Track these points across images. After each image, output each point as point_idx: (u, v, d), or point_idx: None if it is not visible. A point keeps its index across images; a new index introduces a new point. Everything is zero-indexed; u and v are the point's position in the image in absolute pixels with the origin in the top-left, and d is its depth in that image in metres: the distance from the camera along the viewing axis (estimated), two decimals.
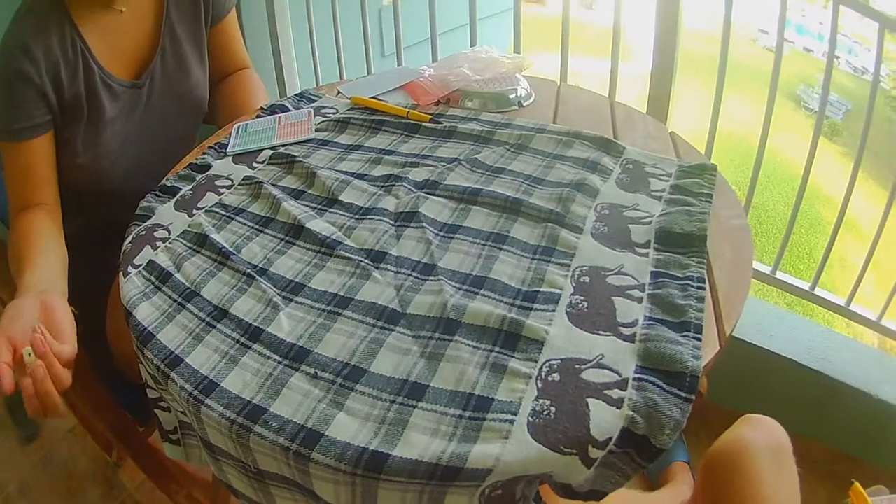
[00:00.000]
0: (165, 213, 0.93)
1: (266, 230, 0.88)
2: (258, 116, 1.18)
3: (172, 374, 0.67)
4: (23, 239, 0.96)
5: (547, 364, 0.65)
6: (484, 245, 0.83)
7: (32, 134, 1.01)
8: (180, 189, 0.98)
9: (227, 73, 1.34)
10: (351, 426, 0.61)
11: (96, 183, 1.13)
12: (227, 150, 1.07)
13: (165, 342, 0.71)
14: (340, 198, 0.93)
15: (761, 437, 0.75)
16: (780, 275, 1.72)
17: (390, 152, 1.05)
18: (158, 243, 0.87)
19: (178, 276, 0.81)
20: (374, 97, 1.20)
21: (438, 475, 0.56)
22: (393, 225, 0.87)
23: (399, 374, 0.66)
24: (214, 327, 0.73)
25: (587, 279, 0.76)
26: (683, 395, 0.60)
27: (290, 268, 0.81)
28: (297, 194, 0.95)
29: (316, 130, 1.12)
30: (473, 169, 0.98)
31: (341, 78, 1.85)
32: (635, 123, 1.15)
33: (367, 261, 0.81)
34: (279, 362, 0.68)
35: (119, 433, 1.11)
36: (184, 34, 1.19)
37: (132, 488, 1.53)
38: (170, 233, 0.89)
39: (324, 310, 0.74)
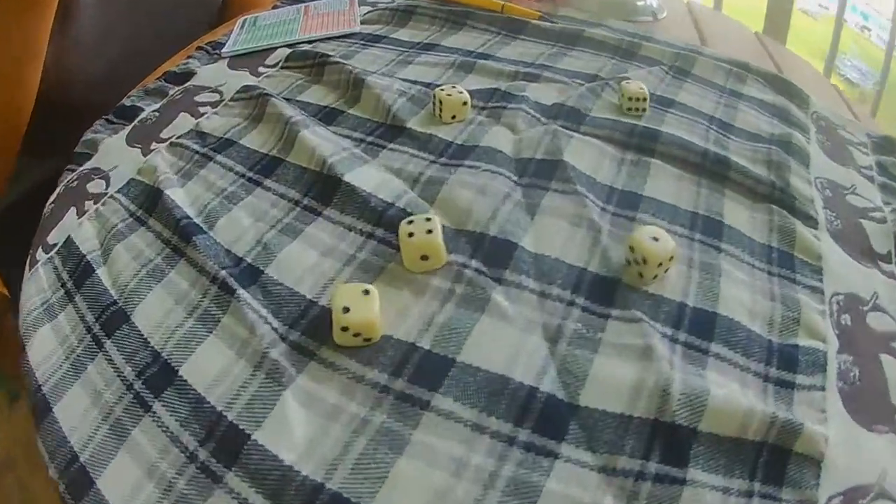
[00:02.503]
0: (111, 150, 0.49)
1: (267, 181, 0.43)
2: (275, 7, 0.71)
3: None
4: None
5: None
6: (691, 239, 0.40)
7: None
8: (142, 110, 0.54)
9: None
10: None
11: (61, 99, 0.68)
12: (223, 49, 0.62)
13: (67, 429, 0.30)
14: (409, 125, 0.47)
15: None
16: None
17: (486, 56, 0.59)
18: (88, 203, 0.44)
19: (101, 273, 0.37)
20: None
21: None
22: (518, 184, 0.42)
23: None
24: (150, 410, 0.30)
25: (848, 320, 0.38)
26: None
27: (309, 270, 0.36)
28: (328, 116, 0.49)
29: (362, 22, 0.65)
30: None
31: None
32: (797, 67, 0.74)
33: (474, 264, 0.36)
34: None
35: None
36: None
37: None
38: (108, 183, 0.45)
39: (387, 390, 0.30)
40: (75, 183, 0.46)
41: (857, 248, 0.43)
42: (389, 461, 0.27)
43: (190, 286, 0.35)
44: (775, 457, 0.29)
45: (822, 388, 0.33)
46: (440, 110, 0.47)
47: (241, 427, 0.28)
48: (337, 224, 0.39)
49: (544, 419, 0.28)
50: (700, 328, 0.34)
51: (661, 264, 0.35)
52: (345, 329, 0.30)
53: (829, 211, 0.46)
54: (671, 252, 0.35)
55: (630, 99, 0.50)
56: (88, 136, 0.52)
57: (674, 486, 0.27)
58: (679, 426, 0.28)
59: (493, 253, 0.36)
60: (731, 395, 0.30)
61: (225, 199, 0.41)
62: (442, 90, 0.48)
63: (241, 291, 0.33)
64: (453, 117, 0.48)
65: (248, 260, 0.36)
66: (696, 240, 0.40)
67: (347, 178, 0.41)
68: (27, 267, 0.41)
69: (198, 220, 0.39)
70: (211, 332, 0.32)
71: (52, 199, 0.46)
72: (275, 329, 0.32)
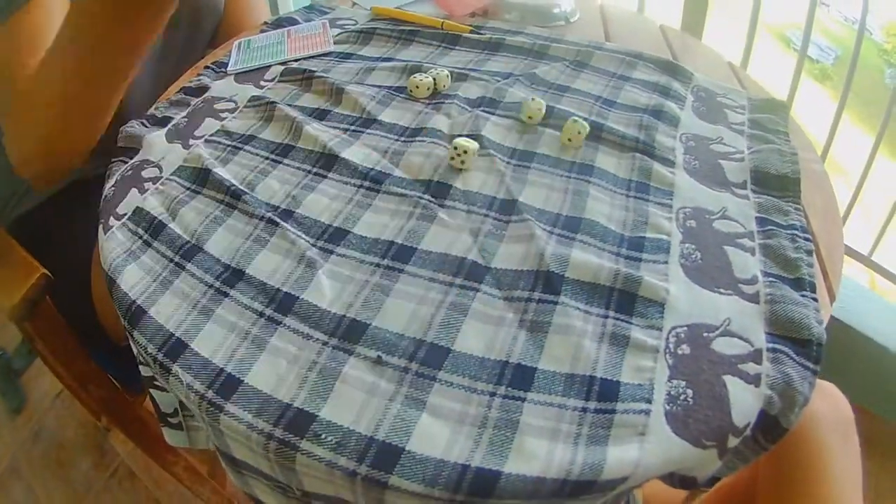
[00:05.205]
0: (155, 146, 0.67)
1: (286, 160, 0.64)
2: (262, 31, 0.93)
3: (175, 368, 0.45)
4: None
5: (674, 333, 0.47)
6: (568, 177, 0.62)
7: None
8: (172, 118, 0.73)
9: None
10: (441, 434, 0.40)
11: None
12: (228, 68, 0.83)
13: (162, 321, 0.48)
14: (379, 117, 0.70)
15: (828, 408, 0.63)
16: None
17: (431, 64, 0.81)
18: (147, 184, 0.63)
19: (173, 226, 0.57)
20: (397, 8, 0.95)
21: (567, 493, 0.38)
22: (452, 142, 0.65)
23: (495, 354, 0.45)
24: (227, 295, 0.50)
25: (693, 223, 0.57)
26: (811, 366, 0.45)
27: (325, 208, 0.58)
28: (320, 114, 0.71)
29: (334, 43, 0.87)
30: (534, 86, 0.76)
31: None
32: (692, 50, 0.96)
33: (427, 197, 0.58)
34: (325, 343, 0.46)
35: (106, 406, 0.89)
36: None
37: (124, 454, 1.32)
38: (161, 170, 0.65)
39: (378, 265, 0.52)
40: (130, 172, 0.63)
41: (712, 179, 0.63)
42: (381, 300, 0.48)
43: (244, 225, 0.56)
44: (625, 298, 0.49)
45: (665, 263, 0.52)
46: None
47: (292, 294, 0.49)
48: (339, 183, 0.61)
49: (470, 274, 0.51)
50: (569, 226, 0.55)
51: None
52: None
53: (689, 155, 0.66)
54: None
55: (530, 117, 0.69)
56: (127, 131, 0.68)
57: (551, 305, 0.48)
58: (553, 273, 0.50)
59: (437, 192, 0.59)
60: (586, 256, 0.51)
61: (258, 173, 0.62)
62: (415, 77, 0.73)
63: (282, 223, 0.55)
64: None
65: (283, 206, 0.58)
66: (572, 177, 0.61)
67: (343, 154, 0.63)
68: (101, 232, 0.58)
69: (242, 186, 0.60)
70: (264, 247, 0.53)
71: (109, 185, 0.62)
72: (307, 241, 0.54)
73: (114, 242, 0.56)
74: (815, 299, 0.50)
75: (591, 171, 0.62)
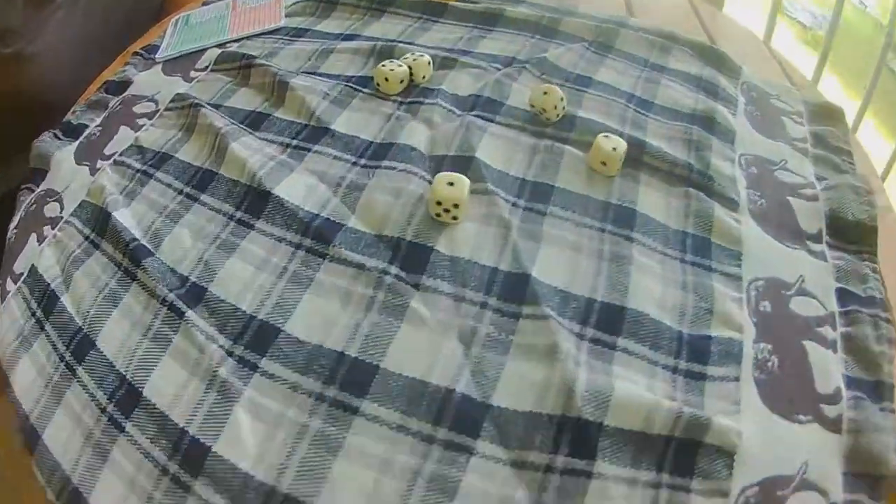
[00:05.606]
0: (62, 168, 0.52)
1: (203, 196, 0.47)
2: (205, 3, 0.73)
3: None
4: None
5: (742, 498, 0.32)
6: (602, 230, 0.44)
7: None
8: (87, 126, 0.56)
9: None
10: None
11: (26, 97, 0.70)
12: (157, 54, 0.64)
13: (56, 455, 0.35)
14: (332, 125, 0.51)
15: None
16: None
17: (406, 44, 0.62)
18: (46, 229, 0.47)
19: (65, 300, 0.41)
20: None
21: None
22: (431, 183, 0.45)
23: None
24: (123, 430, 0.34)
25: (768, 306, 0.41)
26: None
27: (248, 283, 0.40)
28: (255, 121, 0.53)
29: (287, 16, 0.67)
30: (545, 76, 0.57)
31: None
32: (729, 31, 0.76)
33: (394, 269, 0.40)
34: None
35: None
36: None
37: None
38: (62, 206, 0.48)
39: (321, 397, 0.34)
40: (33, 206, 0.50)
41: (783, 229, 0.46)
42: (327, 463, 0.32)
43: (143, 309, 0.39)
44: (684, 449, 0.33)
45: (736, 379, 0.36)
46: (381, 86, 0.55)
47: (201, 441, 0.33)
48: (268, 238, 0.43)
49: (458, 423, 0.33)
50: (606, 322, 0.38)
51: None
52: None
53: (753, 191, 0.48)
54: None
55: (544, 110, 0.51)
56: (38, 148, 0.55)
57: (581, 478, 0.31)
58: (585, 421, 0.33)
59: (409, 260, 0.41)
60: (636, 390, 0.34)
61: (167, 217, 0.45)
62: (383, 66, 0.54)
63: (188, 313, 0.38)
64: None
65: (193, 279, 0.40)
66: (608, 231, 0.43)
67: (276, 191, 0.45)
68: None
69: (144, 241, 0.43)
70: (165, 352, 0.37)
71: (13, 224, 0.49)
72: (221, 346, 0.37)
73: (7, 318, 0.42)
74: (893, 411, 0.37)
75: (633, 219, 0.44)
